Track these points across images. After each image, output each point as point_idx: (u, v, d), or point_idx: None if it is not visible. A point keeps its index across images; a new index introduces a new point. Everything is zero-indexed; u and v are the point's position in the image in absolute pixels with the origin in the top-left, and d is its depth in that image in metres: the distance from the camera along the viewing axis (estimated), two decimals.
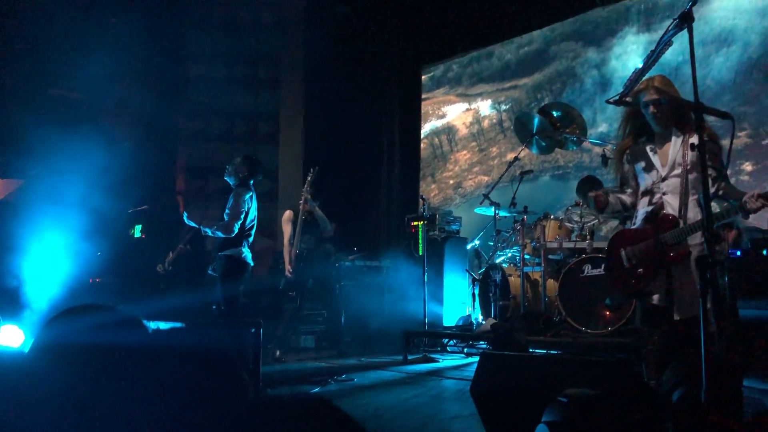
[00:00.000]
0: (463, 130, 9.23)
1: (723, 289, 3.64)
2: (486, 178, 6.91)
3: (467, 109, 9.33)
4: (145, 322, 4.74)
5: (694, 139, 3.28)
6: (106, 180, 7.60)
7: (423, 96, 10.19)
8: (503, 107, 8.66)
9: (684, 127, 3.37)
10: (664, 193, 3.38)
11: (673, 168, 3.36)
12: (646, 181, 3.48)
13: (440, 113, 9.61)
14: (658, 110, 3.35)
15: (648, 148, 3.46)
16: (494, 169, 6.66)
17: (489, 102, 9.00)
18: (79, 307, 1.73)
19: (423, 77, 10.27)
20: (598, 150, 5.61)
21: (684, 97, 3.26)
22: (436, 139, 9.54)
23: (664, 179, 3.39)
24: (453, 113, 9.42)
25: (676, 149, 3.37)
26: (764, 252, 4.57)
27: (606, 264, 3.58)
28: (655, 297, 3.31)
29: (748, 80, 6.10)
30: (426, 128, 9.87)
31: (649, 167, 3.44)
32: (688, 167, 3.31)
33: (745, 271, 4.34)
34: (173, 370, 1.31)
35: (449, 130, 9.38)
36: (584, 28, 7.92)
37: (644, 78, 3.34)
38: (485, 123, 8.92)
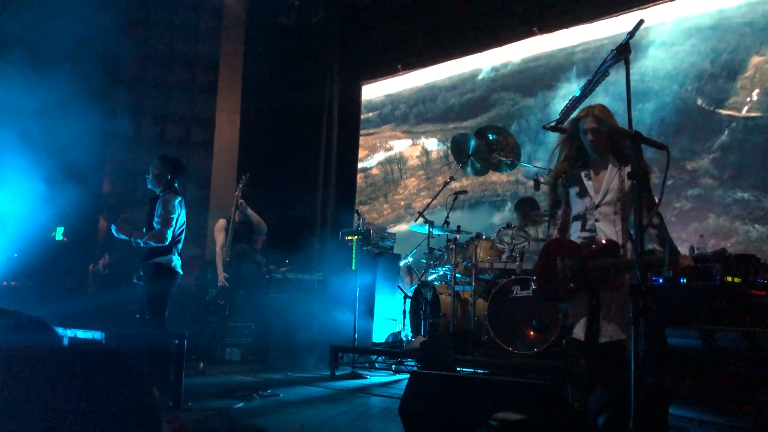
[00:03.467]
0: (411, 161, 9.83)
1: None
2: (430, 200, 7.34)
3: (413, 144, 9.86)
4: (58, 329, 4.49)
5: (629, 168, 3.38)
6: (25, 180, 7.23)
7: (371, 131, 10.50)
8: (448, 144, 9.02)
9: (620, 157, 3.45)
10: (596, 220, 3.45)
11: (606, 195, 3.44)
12: (579, 206, 3.54)
13: (387, 146, 10.21)
14: (597, 138, 3.43)
15: (583, 174, 3.53)
16: (440, 194, 7.15)
17: (434, 140, 9.54)
18: None
19: (370, 114, 10.55)
20: (531, 183, 5.96)
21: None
22: (388, 166, 10.13)
23: (597, 206, 3.46)
24: (399, 147, 10.04)
25: (611, 178, 3.45)
26: (682, 281, 4.74)
27: (538, 266, 3.60)
28: (577, 330, 3.36)
29: (661, 133, 6.78)
30: (378, 157, 10.31)
31: (583, 193, 3.51)
32: (623, 197, 3.39)
33: (667, 299, 4.49)
34: (80, 380, 1.19)
35: (399, 160, 9.97)
36: (524, 81, 8.47)
37: (583, 106, 3.42)
38: (432, 155, 9.52)
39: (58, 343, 1.68)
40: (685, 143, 6.70)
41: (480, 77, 9.00)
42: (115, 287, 6.68)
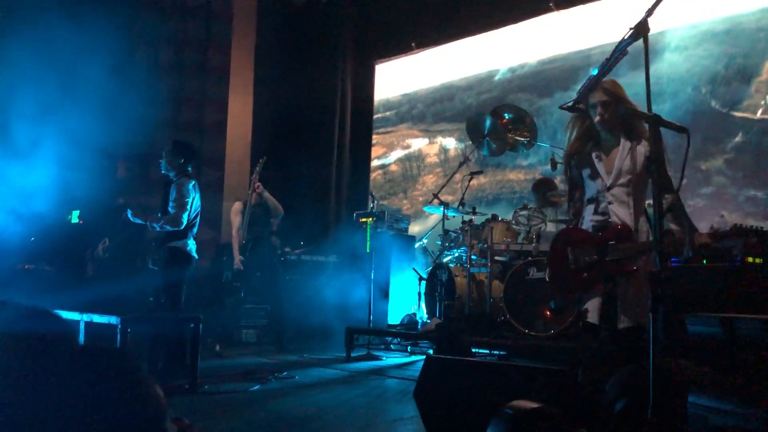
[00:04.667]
0: (429, 158, 9.91)
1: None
2: (451, 197, 7.45)
3: (431, 143, 9.91)
4: (74, 313, 4.49)
5: (643, 147, 3.29)
6: (40, 164, 7.25)
7: (388, 129, 10.48)
8: (466, 142, 9.13)
9: (632, 134, 3.34)
10: (609, 203, 3.33)
11: (619, 176, 3.32)
12: (591, 188, 3.44)
13: (405, 144, 10.27)
14: (605, 111, 3.31)
15: (594, 156, 3.40)
16: (458, 190, 7.19)
17: (451, 139, 9.59)
18: None
19: (387, 113, 10.51)
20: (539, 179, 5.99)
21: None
22: (407, 163, 10.21)
23: (609, 188, 3.34)
24: (417, 145, 10.10)
25: (623, 157, 3.32)
26: (704, 261, 4.67)
27: (549, 258, 3.54)
28: (591, 314, 3.30)
29: (675, 134, 6.71)
30: (396, 154, 10.36)
31: (594, 175, 3.40)
32: (637, 177, 3.30)
33: (685, 281, 4.41)
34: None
35: (417, 157, 10.06)
36: (540, 82, 8.48)
37: None
38: (450, 153, 9.58)
39: (64, 333, 1.63)
40: (698, 144, 6.79)
41: (497, 78, 9.01)
42: (115, 271, 6.71)
